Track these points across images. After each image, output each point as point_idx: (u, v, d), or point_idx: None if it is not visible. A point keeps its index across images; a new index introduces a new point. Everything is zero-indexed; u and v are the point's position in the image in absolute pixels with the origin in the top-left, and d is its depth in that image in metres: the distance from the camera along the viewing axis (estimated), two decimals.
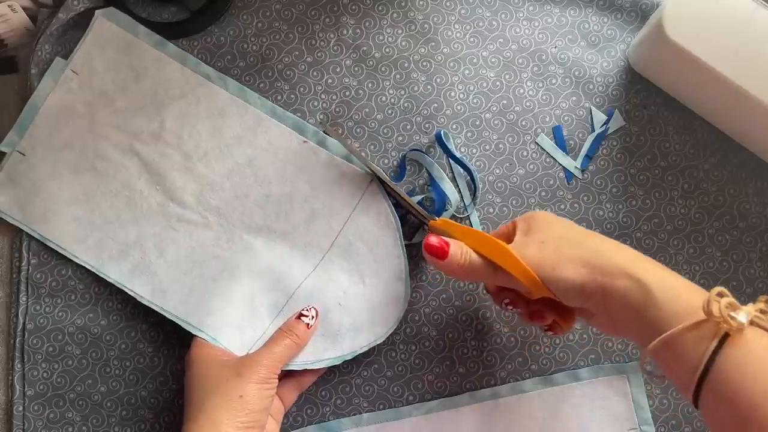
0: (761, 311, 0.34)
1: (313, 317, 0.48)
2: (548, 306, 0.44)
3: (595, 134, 0.53)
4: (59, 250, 0.51)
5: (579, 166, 0.52)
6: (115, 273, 0.51)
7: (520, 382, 0.51)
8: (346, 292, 0.50)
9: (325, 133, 0.51)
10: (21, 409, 0.51)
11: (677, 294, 0.36)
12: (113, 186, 0.51)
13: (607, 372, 0.51)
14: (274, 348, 0.46)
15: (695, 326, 0.34)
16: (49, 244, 0.51)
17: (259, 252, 0.51)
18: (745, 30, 0.46)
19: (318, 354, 0.49)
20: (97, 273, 0.51)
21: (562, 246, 0.40)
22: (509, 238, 0.44)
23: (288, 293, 0.50)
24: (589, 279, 0.38)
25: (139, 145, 0.51)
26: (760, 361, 0.32)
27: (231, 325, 0.48)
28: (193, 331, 0.48)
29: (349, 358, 0.49)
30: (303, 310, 0.49)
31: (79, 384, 0.51)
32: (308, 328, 0.48)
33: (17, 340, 0.51)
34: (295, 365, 0.48)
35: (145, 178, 0.51)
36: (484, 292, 0.51)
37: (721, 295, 0.34)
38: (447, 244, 0.43)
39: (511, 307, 0.45)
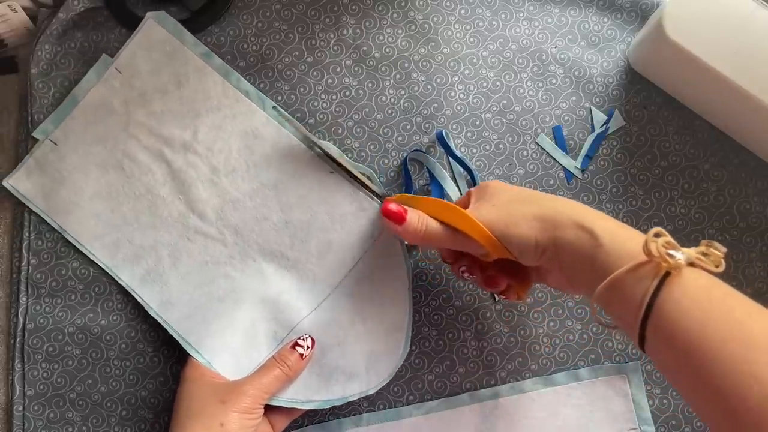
0: (703, 254, 0.35)
1: (308, 347, 0.48)
2: (504, 271, 0.45)
3: (595, 134, 0.53)
4: (76, 244, 0.51)
5: (579, 166, 0.52)
6: (127, 276, 0.51)
7: (520, 382, 0.51)
8: (347, 334, 0.49)
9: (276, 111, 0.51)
10: (21, 409, 0.51)
11: (623, 240, 0.37)
12: (137, 188, 0.51)
13: (607, 372, 0.50)
14: (262, 378, 0.46)
15: (637, 267, 0.35)
16: (66, 236, 0.51)
17: (268, 278, 0.50)
18: (745, 30, 0.46)
19: (309, 393, 0.49)
20: (109, 273, 0.51)
21: (514, 205, 0.41)
22: (465, 207, 0.44)
23: (289, 326, 0.50)
24: (542, 232, 0.39)
25: (169, 152, 0.51)
26: (697, 300, 0.33)
27: (228, 350, 0.48)
28: (191, 351, 0.48)
29: (338, 403, 0.48)
30: (299, 339, 0.48)
31: (79, 384, 0.51)
32: (301, 359, 0.48)
33: (17, 340, 0.51)
34: (284, 401, 0.48)
35: (169, 185, 0.51)
36: (452, 272, 0.51)
37: (658, 235, 0.34)
38: (405, 210, 0.44)
39: (467, 274, 0.46)
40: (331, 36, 0.53)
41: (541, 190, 0.52)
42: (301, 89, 0.53)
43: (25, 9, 0.51)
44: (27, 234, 0.52)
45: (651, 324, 0.34)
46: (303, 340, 0.48)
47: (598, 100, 0.53)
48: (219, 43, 0.53)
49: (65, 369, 0.51)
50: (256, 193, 0.51)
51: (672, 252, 0.34)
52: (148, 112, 0.51)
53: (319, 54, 0.53)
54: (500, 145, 0.53)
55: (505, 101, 0.53)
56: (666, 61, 0.49)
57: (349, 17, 0.53)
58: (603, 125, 0.53)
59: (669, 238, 0.35)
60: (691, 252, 0.34)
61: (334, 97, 0.53)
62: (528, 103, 0.53)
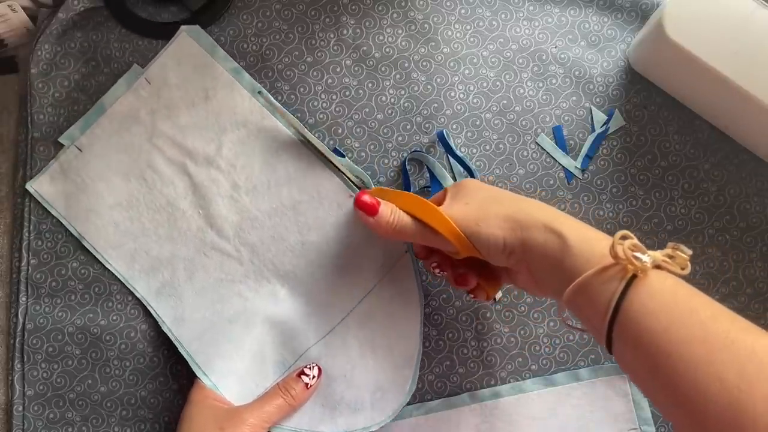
0: (669, 256, 0.35)
1: (314, 377, 0.48)
2: (474, 270, 0.45)
3: (595, 134, 0.53)
4: (93, 252, 0.51)
5: (579, 166, 0.52)
6: (143, 288, 0.51)
7: (520, 382, 0.51)
8: (354, 366, 0.49)
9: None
10: (21, 409, 0.51)
11: (592, 243, 0.37)
12: (158, 199, 0.51)
13: (608, 372, 0.50)
14: (264, 406, 0.46)
15: (604, 270, 0.35)
16: (84, 243, 0.51)
17: (281, 301, 0.50)
18: (745, 30, 0.46)
19: (313, 424, 0.48)
20: (125, 284, 0.51)
21: (486, 205, 0.42)
22: (440, 203, 0.45)
23: (297, 353, 0.50)
24: (510, 233, 0.39)
25: (192, 165, 0.51)
26: (662, 302, 0.33)
27: (235, 373, 0.48)
28: (198, 373, 0.48)
29: None
30: (305, 367, 0.48)
31: (79, 384, 0.51)
32: (306, 389, 0.47)
33: (17, 340, 0.51)
34: (286, 430, 0.48)
35: (190, 199, 0.51)
36: (424, 267, 0.51)
37: (625, 237, 0.35)
38: (378, 202, 0.44)
39: (438, 270, 0.46)
40: (331, 36, 0.53)
41: (541, 190, 0.52)
42: (301, 89, 0.53)
43: (25, 9, 0.51)
44: (27, 234, 0.52)
45: (617, 326, 0.34)
46: (309, 369, 0.48)
47: (598, 100, 0.53)
48: (219, 43, 0.53)
49: (65, 369, 0.51)
50: (275, 213, 0.51)
51: (638, 255, 0.34)
52: (173, 124, 0.51)
53: (319, 54, 0.53)
54: (500, 145, 0.53)
55: (505, 101, 0.53)
56: (666, 61, 0.49)
57: (349, 17, 0.53)
58: (603, 125, 0.53)
59: (635, 241, 0.35)
60: (658, 255, 0.35)
61: (334, 97, 0.53)
62: (528, 103, 0.53)
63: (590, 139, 0.53)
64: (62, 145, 0.52)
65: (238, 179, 0.51)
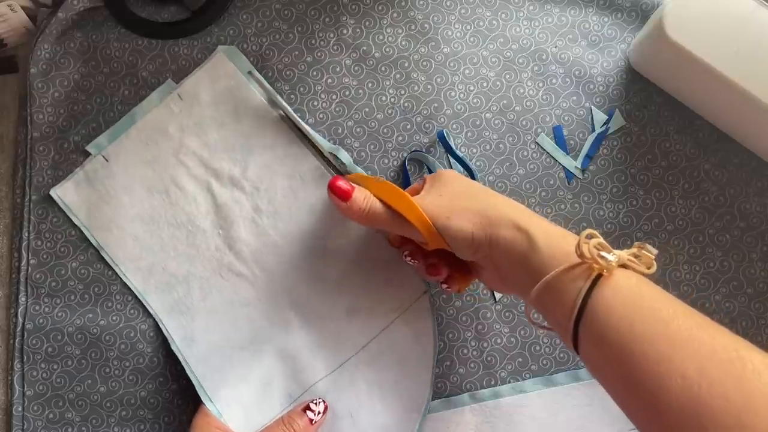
0: (634, 256, 0.36)
1: (319, 413, 0.47)
2: (445, 261, 0.45)
3: (595, 134, 0.53)
4: (111, 264, 0.51)
5: (579, 166, 0.52)
6: (156, 304, 0.51)
7: (520, 382, 0.51)
8: (361, 405, 0.49)
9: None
10: (20, 409, 0.51)
11: (559, 242, 0.37)
12: (179, 216, 0.51)
13: None
14: None
15: (570, 269, 0.35)
16: (102, 254, 0.51)
17: (292, 331, 0.50)
18: (745, 30, 0.46)
19: None
20: (140, 298, 0.51)
21: (457, 198, 0.42)
22: (417, 192, 0.45)
23: (304, 386, 0.49)
24: (478, 228, 0.40)
25: (216, 185, 0.51)
26: (626, 300, 0.33)
27: (241, 402, 0.48)
28: (203, 398, 0.48)
29: None
30: (311, 402, 0.48)
31: (79, 384, 0.51)
32: (311, 424, 0.47)
33: (16, 340, 0.51)
34: None
35: (211, 218, 0.51)
36: (408, 257, 0.50)
37: (591, 236, 0.35)
38: (352, 188, 0.44)
39: (410, 259, 0.46)
40: (331, 36, 0.53)
41: (541, 190, 0.52)
42: (301, 89, 0.53)
43: (24, 9, 0.51)
44: (26, 234, 0.52)
45: (583, 324, 0.34)
46: (315, 404, 0.48)
47: (598, 99, 0.53)
48: (219, 43, 0.53)
49: (64, 369, 0.51)
50: (295, 239, 0.51)
51: (604, 254, 0.34)
52: (202, 142, 0.51)
53: (318, 54, 0.53)
54: (500, 145, 0.53)
55: (505, 101, 0.53)
56: (666, 61, 0.49)
57: (349, 17, 0.53)
58: (603, 125, 0.53)
59: (601, 239, 0.35)
60: (623, 254, 0.35)
61: (334, 96, 0.53)
62: (528, 103, 0.53)
63: (590, 139, 0.52)
64: (88, 153, 0.52)
65: (261, 203, 0.51)
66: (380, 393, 0.49)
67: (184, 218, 0.51)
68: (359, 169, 0.51)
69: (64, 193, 0.51)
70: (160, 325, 0.51)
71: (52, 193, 0.51)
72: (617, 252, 0.35)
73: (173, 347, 0.50)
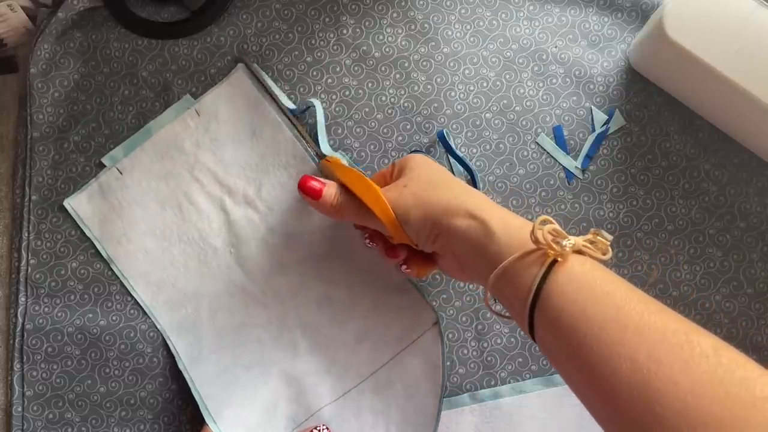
0: (590, 242, 0.36)
1: None
2: (405, 246, 0.45)
3: (595, 134, 0.52)
4: (121, 278, 0.51)
5: (579, 166, 0.52)
6: (165, 321, 0.50)
7: (520, 383, 0.51)
8: None
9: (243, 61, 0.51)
10: (20, 409, 0.51)
11: (515, 229, 0.37)
12: (191, 233, 0.51)
13: None
14: None
15: (526, 255, 0.36)
16: (113, 266, 0.51)
17: (299, 354, 0.50)
18: (745, 30, 0.46)
19: None
20: (148, 314, 0.51)
21: (420, 190, 0.42)
22: (386, 180, 0.45)
23: (310, 411, 0.49)
24: (437, 219, 0.40)
25: (230, 203, 0.51)
26: (580, 285, 0.33)
27: (244, 424, 0.47)
28: (207, 419, 0.48)
29: None
30: (315, 428, 0.47)
31: (78, 384, 0.51)
32: None
33: (16, 340, 0.51)
34: None
35: (223, 236, 0.51)
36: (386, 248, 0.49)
37: (546, 222, 0.35)
38: (322, 186, 0.45)
39: (369, 242, 0.47)
40: (331, 36, 0.53)
41: (541, 190, 0.52)
42: (301, 89, 0.53)
43: (24, 9, 0.51)
44: (26, 234, 0.52)
45: (538, 310, 0.34)
46: (319, 431, 0.47)
47: (598, 99, 0.53)
48: (219, 44, 0.53)
49: (64, 369, 0.51)
50: (305, 261, 0.51)
51: (560, 240, 0.35)
52: (217, 159, 0.51)
53: (318, 54, 0.53)
54: (500, 145, 0.53)
55: (505, 101, 0.53)
56: (666, 61, 0.49)
57: (348, 17, 0.53)
58: (603, 125, 0.53)
59: (556, 225, 0.35)
60: (578, 240, 0.35)
61: (334, 96, 0.53)
62: (528, 103, 0.53)
63: (591, 139, 0.52)
64: (88, 153, 0.52)
65: (274, 223, 0.51)
66: (386, 423, 0.49)
67: (196, 235, 0.51)
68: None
69: (78, 205, 0.51)
70: (168, 342, 0.50)
71: (65, 203, 0.51)
72: (573, 238, 0.35)
73: (180, 365, 0.50)
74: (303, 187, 0.45)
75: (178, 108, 0.52)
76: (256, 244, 0.51)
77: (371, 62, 0.53)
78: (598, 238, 0.36)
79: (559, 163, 0.52)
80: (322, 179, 0.46)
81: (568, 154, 0.53)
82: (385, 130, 0.53)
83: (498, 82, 0.53)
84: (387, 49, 0.53)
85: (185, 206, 0.51)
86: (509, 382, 0.51)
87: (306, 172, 0.51)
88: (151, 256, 0.51)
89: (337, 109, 0.53)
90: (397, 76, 0.53)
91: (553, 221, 0.36)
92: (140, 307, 0.51)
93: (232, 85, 0.51)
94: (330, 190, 0.45)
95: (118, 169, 0.51)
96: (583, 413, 0.50)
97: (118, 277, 0.51)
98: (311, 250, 0.51)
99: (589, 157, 0.52)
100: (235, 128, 0.51)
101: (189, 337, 0.50)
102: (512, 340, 0.51)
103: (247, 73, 0.52)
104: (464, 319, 0.51)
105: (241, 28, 0.53)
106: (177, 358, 0.50)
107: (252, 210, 0.51)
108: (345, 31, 0.53)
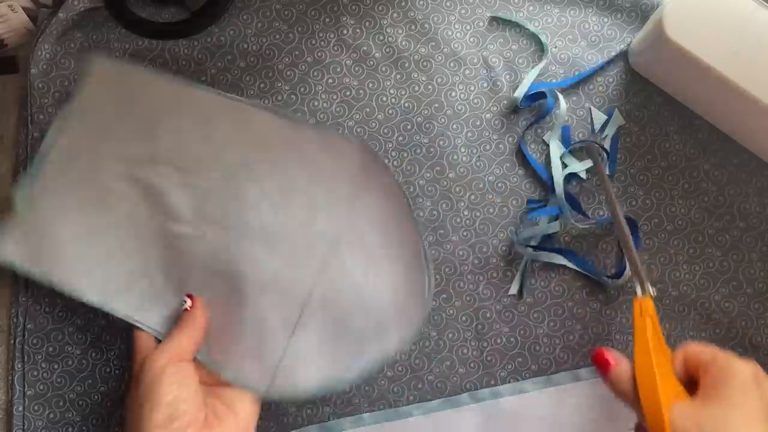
0: None
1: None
2: None
3: (609, 136, 0.52)
4: (67, 292, 0.48)
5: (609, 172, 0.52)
6: (122, 307, 0.48)
7: (520, 383, 0.51)
8: (361, 290, 0.47)
9: None
10: (21, 409, 0.51)
11: None
12: (117, 217, 0.49)
13: None
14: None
15: None
16: (55, 287, 0.48)
17: (260, 258, 0.48)
18: (745, 30, 0.46)
19: (346, 363, 0.47)
20: (103, 310, 0.48)
21: (725, 429, 0.34)
22: (682, 377, 0.40)
23: (300, 303, 0.48)
24: None
25: (139, 171, 0.50)
26: None
27: (248, 357, 0.46)
28: (203, 359, 0.46)
29: (374, 369, 0.47)
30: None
31: (79, 384, 0.51)
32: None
33: (17, 340, 0.51)
34: (314, 388, 0.46)
35: (148, 202, 0.50)
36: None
37: None
38: (612, 363, 0.42)
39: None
40: (332, 36, 0.53)
41: (540, 190, 0.52)
42: (302, 89, 0.53)
43: (25, 9, 0.51)
44: None
45: None
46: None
47: (598, 100, 0.53)
48: (219, 44, 0.53)
49: (65, 369, 0.51)
50: (228, 176, 0.49)
51: None
52: (112, 143, 0.50)
53: (319, 54, 0.53)
54: (500, 145, 0.53)
55: (505, 101, 0.53)
56: (666, 61, 0.49)
57: (349, 17, 0.53)
58: (601, 126, 0.53)
59: None
60: None
61: (334, 96, 0.53)
62: None
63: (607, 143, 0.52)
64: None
65: (183, 163, 0.50)
66: (377, 264, 0.48)
67: (122, 217, 0.49)
68: None
69: (5, 252, 0.48)
70: (140, 326, 0.48)
71: None
72: None
73: (160, 336, 0.48)
74: (594, 357, 0.43)
75: (57, 124, 0.50)
76: (176, 190, 0.50)
77: (372, 62, 0.53)
78: None
79: (564, 163, 0.52)
80: (617, 356, 0.42)
81: (570, 154, 0.53)
82: (385, 130, 0.53)
83: (498, 83, 0.53)
84: (387, 50, 0.53)
85: (104, 198, 0.50)
86: (509, 382, 0.51)
87: (193, 102, 0.50)
88: (87, 256, 0.49)
89: (337, 109, 0.53)
90: (398, 76, 0.53)
91: None
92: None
93: (90, 77, 0.50)
94: (618, 374, 0.40)
95: (29, 201, 0.49)
96: (582, 413, 0.50)
97: (115, 309, 0.49)
98: (228, 164, 0.50)
99: (613, 161, 0.52)
100: (112, 108, 0.50)
101: (156, 310, 0.48)
102: (512, 339, 0.51)
103: (98, 62, 0.51)
104: (464, 319, 0.52)
105: (242, 29, 0.53)
106: (156, 333, 0.48)
107: (161, 165, 0.50)
108: (345, 32, 0.53)
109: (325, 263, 0.48)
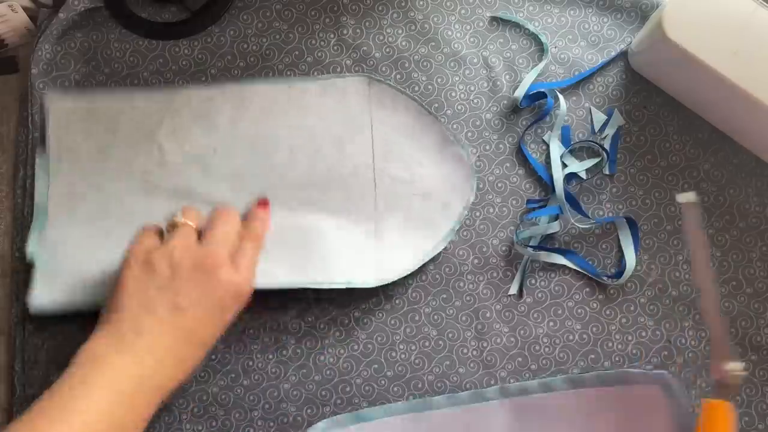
0: None
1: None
2: None
3: (609, 137, 0.52)
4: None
5: (608, 172, 0.52)
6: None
7: (549, 380, 0.50)
8: (415, 182, 0.51)
9: None
10: (21, 409, 0.51)
11: None
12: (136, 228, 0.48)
13: (642, 378, 0.49)
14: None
15: None
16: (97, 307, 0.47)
17: (320, 204, 0.50)
18: (745, 30, 0.46)
19: (430, 237, 0.50)
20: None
21: None
22: None
23: (373, 218, 0.50)
24: None
25: (151, 177, 0.50)
26: None
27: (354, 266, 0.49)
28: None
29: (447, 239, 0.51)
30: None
31: None
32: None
33: (17, 340, 0.51)
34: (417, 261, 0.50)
35: (177, 202, 0.49)
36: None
37: None
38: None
39: None
40: (332, 36, 0.53)
41: (540, 190, 0.52)
42: None
43: (25, 9, 0.51)
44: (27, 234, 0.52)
45: None
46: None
47: (598, 100, 0.53)
48: (219, 44, 0.53)
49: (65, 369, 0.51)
50: (253, 154, 0.51)
51: None
52: (111, 165, 0.50)
53: (319, 54, 0.53)
54: (500, 145, 0.53)
55: (505, 101, 0.53)
56: (666, 61, 0.49)
57: (349, 17, 0.53)
58: (602, 126, 0.53)
59: None
60: None
61: None
62: None
63: (606, 143, 0.52)
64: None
65: (197, 155, 0.51)
66: (419, 163, 0.51)
67: (143, 223, 0.48)
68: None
69: (43, 303, 0.49)
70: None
71: (33, 310, 0.48)
72: None
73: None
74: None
75: (41, 170, 0.50)
76: (205, 181, 0.51)
77: (372, 62, 0.53)
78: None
79: (564, 164, 0.52)
80: None
81: (571, 153, 0.53)
82: None
83: (498, 83, 0.53)
84: (387, 50, 0.53)
85: (122, 219, 0.50)
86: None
87: (178, 102, 0.51)
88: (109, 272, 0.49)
89: None
90: (398, 76, 0.53)
91: None
92: None
93: (55, 116, 0.51)
94: None
95: (44, 255, 0.49)
96: (617, 417, 0.47)
97: None
98: (245, 143, 0.51)
99: (613, 161, 0.52)
100: (99, 137, 0.50)
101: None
102: (512, 339, 0.51)
103: (56, 98, 0.51)
104: (464, 318, 0.52)
105: (242, 29, 0.53)
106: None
107: (171, 166, 0.51)
108: (345, 32, 0.53)
109: (375, 182, 0.51)
